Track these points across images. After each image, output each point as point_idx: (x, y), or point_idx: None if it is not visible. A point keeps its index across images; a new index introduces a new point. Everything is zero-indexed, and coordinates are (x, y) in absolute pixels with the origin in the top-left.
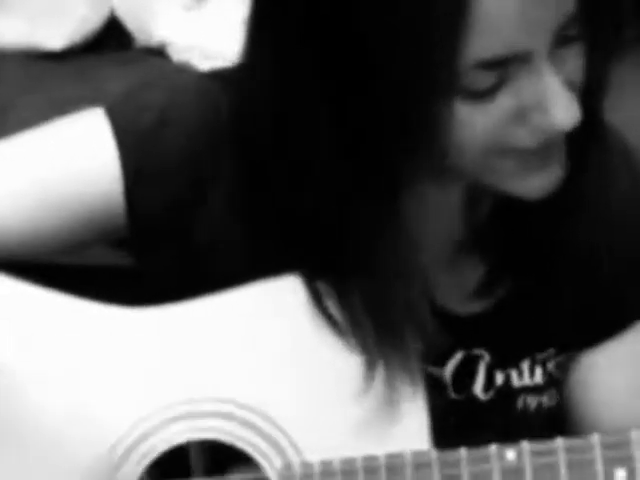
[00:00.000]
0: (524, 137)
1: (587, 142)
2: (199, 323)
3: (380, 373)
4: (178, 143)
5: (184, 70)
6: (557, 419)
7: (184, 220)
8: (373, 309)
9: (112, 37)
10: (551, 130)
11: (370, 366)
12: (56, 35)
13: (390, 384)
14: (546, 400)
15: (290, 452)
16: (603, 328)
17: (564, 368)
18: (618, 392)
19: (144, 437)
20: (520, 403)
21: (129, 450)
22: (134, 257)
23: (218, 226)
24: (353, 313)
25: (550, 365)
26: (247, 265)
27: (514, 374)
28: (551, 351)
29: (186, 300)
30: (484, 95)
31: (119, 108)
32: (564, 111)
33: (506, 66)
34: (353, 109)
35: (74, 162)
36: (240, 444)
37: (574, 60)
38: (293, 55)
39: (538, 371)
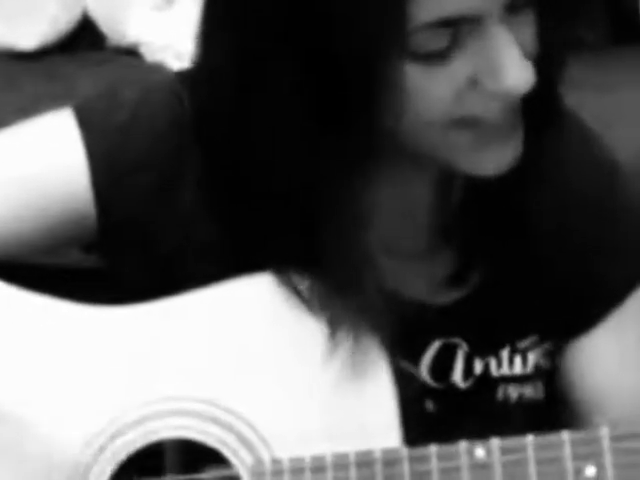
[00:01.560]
0: (479, 104)
1: (544, 120)
2: (167, 322)
3: (343, 345)
4: (147, 141)
5: (157, 70)
6: (541, 412)
7: (153, 220)
8: (341, 292)
9: (85, 37)
10: (505, 95)
11: (333, 335)
12: (29, 35)
13: (354, 355)
14: (529, 392)
15: (260, 447)
16: (585, 313)
17: (552, 358)
18: (617, 375)
19: (117, 435)
20: (500, 393)
21: (102, 448)
22: (103, 258)
23: (187, 225)
24: (317, 282)
25: (533, 355)
26: (217, 264)
27: (493, 363)
28: (533, 339)
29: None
30: (436, 58)
31: (88, 107)
32: (517, 75)
33: (457, 28)
34: (309, 79)
35: (42, 162)
36: (211, 441)
37: (526, 28)
38: (252, 32)
39: (517, 360)
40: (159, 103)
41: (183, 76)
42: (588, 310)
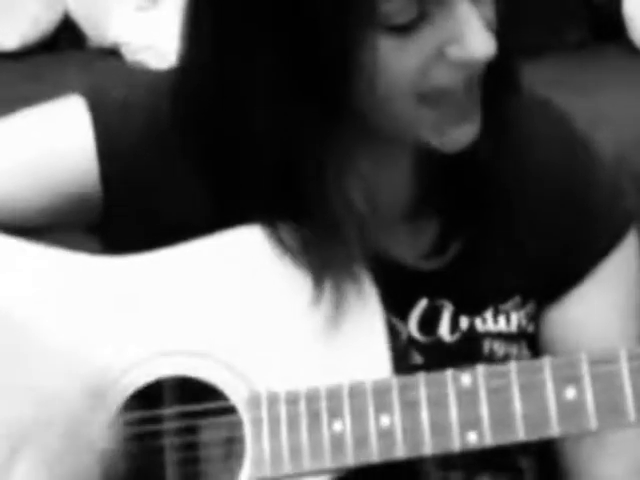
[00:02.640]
0: (444, 75)
1: (502, 92)
2: (158, 272)
3: (329, 291)
4: (145, 119)
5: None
6: None
7: (156, 198)
8: (318, 224)
9: (66, 37)
10: (469, 62)
11: (318, 283)
12: (10, 35)
13: (339, 300)
14: (515, 352)
15: (256, 382)
16: (563, 275)
17: (535, 322)
18: (597, 335)
19: (120, 377)
20: (486, 347)
21: (106, 390)
22: (107, 241)
23: (186, 198)
24: (302, 236)
25: (516, 316)
26: (208, 226)
27: (478, 320)
28: (516, 301)
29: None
30: (406, 29)
31: (96, 93)
32: (480, 42)
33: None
34: (284, 49)
35: (50, 142)
36: (208, 377)
37: (486, 4)
38: (232, 13)
39: (501, 319)
40: (161, 88)
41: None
42: (567, 272)
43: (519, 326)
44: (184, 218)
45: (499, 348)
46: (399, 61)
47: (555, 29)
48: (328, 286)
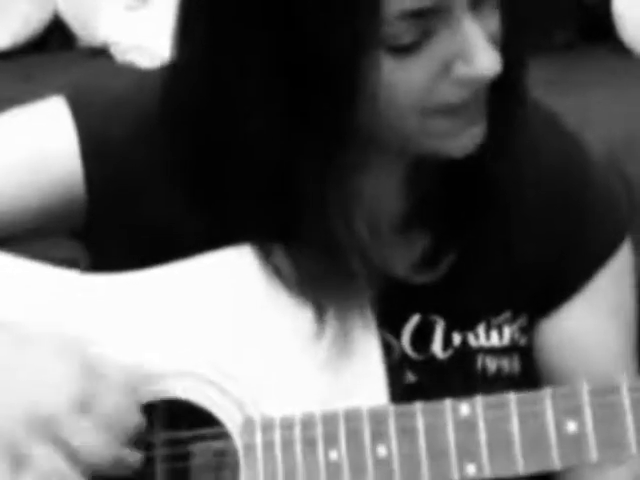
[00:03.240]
0: (450, 91)
1: (508, 104)
2: (155, 290)
3: (331, 322)
4: (133, 121)
5: (128, 69)
6: (518, 387)
7: (140, 203)
8: (321, 259)
9: (56, 37)
10: (475, 79)
11: (320, 316)
12: (2, 34)
13: (342, 332)
14: (506, 365)
15: (251, 408)
16: (555, 289)
17: (527, 334)
18: (584, 350)
19: None
20: (479, 364)
21: None
22: (91, 246)
23: (173, 207)
24: (304, 268)
25: (509, 330)
26: (200, 245)
27: (471, 336)
28: (507, 315)
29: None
30: (409, 49)
31: (79, 92)
32: (486, 59)
33: (428, 19)
34: (284, 66)
35: (34, 144)
36: (202, 401)
37: (491, 16)
38: (228, 21)
39: (494, 335)
40: (149, 87)
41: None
42: (561, 284)
43: (512, 339)
44: (169, 224)
45: (491, 363)
46: (404, 80)
47: (544, 29)
48: (331, 318)
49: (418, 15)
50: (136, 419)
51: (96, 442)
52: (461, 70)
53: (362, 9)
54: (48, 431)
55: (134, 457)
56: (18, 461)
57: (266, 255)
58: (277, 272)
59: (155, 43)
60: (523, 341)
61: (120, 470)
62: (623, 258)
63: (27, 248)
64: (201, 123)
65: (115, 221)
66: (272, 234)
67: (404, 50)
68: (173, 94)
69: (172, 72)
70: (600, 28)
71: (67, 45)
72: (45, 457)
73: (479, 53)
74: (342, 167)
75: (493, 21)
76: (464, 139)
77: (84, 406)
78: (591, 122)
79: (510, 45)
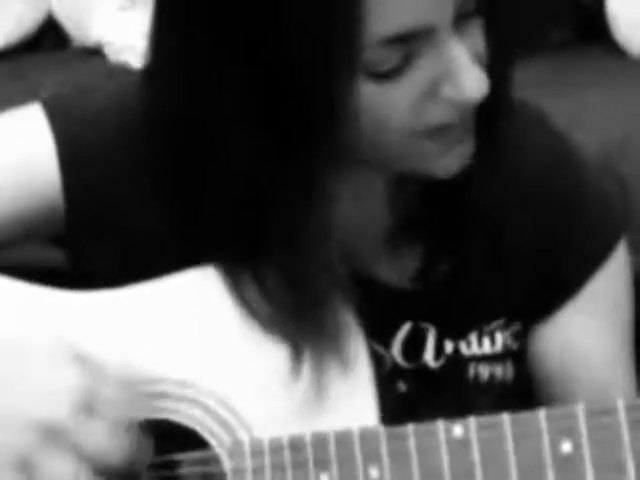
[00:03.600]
0: (436, 113)
1: (494, 118)
2: (129, 309)
3: (307, 360)
4: (115, 133)
5: (119, 69)
6: (511, 393)
7: (119, 212)
8: (294, 292)
9: (49, 37)
10: (462, 101)
11: (296, 355)
12: None
13: (318, 369)
14: (499, 371)
15: (239, 430)
16: (549, 296)
17: (520, 339)
18: (580, 356)
19: None
20: (471, 372)
21: None
22: (69, 253)
23: (149, 216)
24: (275, 302)
25: (501, 336)
26: (175, 258)
27: (463, 344)
28: (500, 322)
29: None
30: (392, 74)
31: (57, 100)
32: (473, 81)
33: (411, 43)
34: (262, 93)
35: (11, 153)
36: (189, 423)
37: (475, 35)
38: (201, 42)
39: (486, 342)
40: (129, 96)
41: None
42: (554, 290)
43: (504, 345)
44: (149, 233)
45: (484, 370)
46: (388, 104)
47: (539, 29)
48: (308, 357)
49: (399, 41)
50: (140, 410)
51: (108, 442)
52: (447, 92)
53: (339, 37)
54: (58, 440)
55: (147, 445)
56: (31, 475)
57: (234, 282)
58: (245, 303)
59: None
60: (516, 346)
61: (134, 464)
62: (619, 259)
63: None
64: (177, 135)
65: (95, 229)
66: (241, 258)
67: (387, 75)
68: (150, 104)
69: (148, 82)
70: (595, 28)
71: (60, 45)
72: (59, 466)
73: (465, 74)
74: (318, 192)
75: (478, 39)
76: (451, 159)
77: (87, 407)
78: (586, 123)
79: (497, 61)
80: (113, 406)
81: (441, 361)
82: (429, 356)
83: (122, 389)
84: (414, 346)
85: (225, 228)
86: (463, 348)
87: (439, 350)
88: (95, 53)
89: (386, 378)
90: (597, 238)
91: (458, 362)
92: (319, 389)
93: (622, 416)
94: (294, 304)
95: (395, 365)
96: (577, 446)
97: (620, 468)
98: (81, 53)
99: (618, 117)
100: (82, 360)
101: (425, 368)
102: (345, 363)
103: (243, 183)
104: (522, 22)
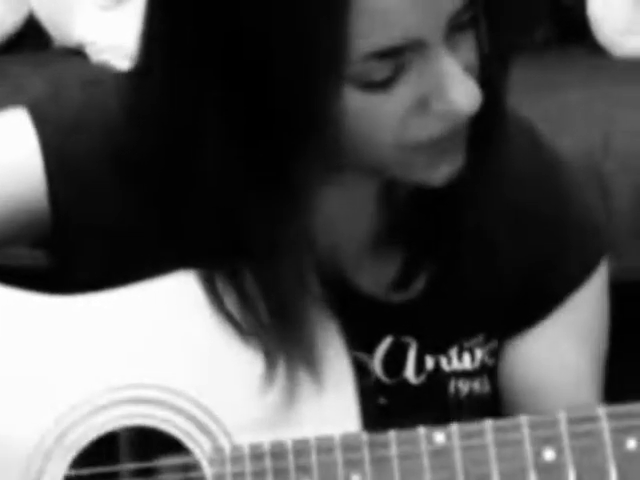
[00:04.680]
0: (428, 126)
1: (488, 129)
2: (108, 314)
3: (281, 369)
4: (99, 137)
5: (101, 70)
6: (489, 407)
7: (103, 215)
8: (270, 303)
9: (31, 37)
10: (454, 116)
11: (270, 364)
12: None
13: (291, 379)
14: (477, 387)
15: (219, 436)
16: (527, 313)
17: (495, 355)
18: (552, 373)
19: (72, 427)
20: (452, 388)
21: (57, 441)
22: (54, 256)
23: (132, 220)
24: (252, 310)
25: (480, 352)
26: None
27: (443, 360)
28: (479, 338)
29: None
30: (381, 86)
31: (41, 104)
32: (464, 95)
33: (401, 56)
34: (243, 104)
35: None
36: (169, 429)
37: (467, 47)
38: (185, 57)
39: (466, 357)
40: (106, 101)
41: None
42: (531, 311)
43: (482, 362)
44: (132, 238)
45: (463, 386)
46: (378, 117)
47: (521, 30)
48: (282, 365)
49: (389, 54)
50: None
51: None
52: (438, 106)
53: (322, 54)
54: None
55: None
56: None
57: (212, 288)
58: (223, 309)
59: (130, 43)
60: (491, 362)
61: None
62: (598, 283)
63: None
64: (160, 139)
65: (80, 233)
66: (221, 264)
67: (377, 87)
68: (135, 106)
69: (135, 84)
70: (576, 29)
71: (42, 46)
72: None
73: (456, 88)
74: (298, 201)
75: (470, 51)
76: (440, 171)
77: None
78: (568, 123)
79: (490, 72)
80: None
81: (422, 377)
82: (410, 372)
83: None
84: (395, 361)
85: (205, 234)
86: (444, 364)
87: (420, 366)
88: (77, 53)
89: (370, 389)
90: (580, 256)
91: (439, 378)
92: (291, 397)
93: (604, 423)
94: (270, 311)
95: (376, 379)
96: (559, 452)
97: (602, 474)
98: (63, 53)
99: (600, 117)
100: None
101: (406, 384)
102: (322, 372)
103: (224, 189)
104: (505, 23)
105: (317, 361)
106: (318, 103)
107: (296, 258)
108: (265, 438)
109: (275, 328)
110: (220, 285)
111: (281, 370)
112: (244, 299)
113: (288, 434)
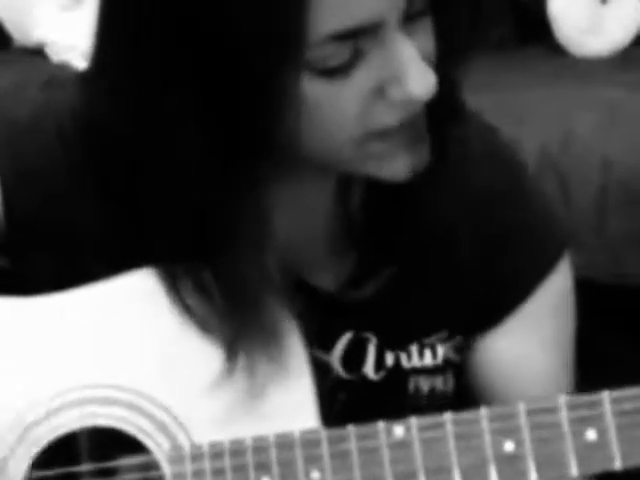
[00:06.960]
0: (386, 114)
1: (447, 123)
2: (66, 314)
3: (241, 364)
4: (52, 140)
5: (61, 70)
6: (451, 405)
7: (58, 219)
8: (230, 295)
9: None
10: (410, 102)
11: (230, 357)
12: None
13: (251, 374)
14: (439, 384)
15: (179, 434)
16: (491, 309)
17: (461, 351)
18: (519, 369)
19: (30, 428)
20: (412, 385)
21: (16, 442)
22: (9, 256)
23: (90, 223)
24: (211, 302)
25: (443, 348)
26: (114, 258)
27: (404, 356)
28: (442, 335)
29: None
30: (340, 71)
31: None
32: (420, 80)
33: (359, 39)
34: (205, 91)
35: None
36: (128, 428)
37: (424, 35)
38: (147, 43)
39: (427, 354)
40: (64, 102)
41: (85, 77)
42: (495, 307)
43: (445, 358)
44: (89, 237)
45: (424, 383)
46: (336, 104)
47: (479, 29)
48: (241, 359)
49: (347, 37)
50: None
51: None
52: (395, 92)
53: (284, 33)
54: None
55: None
56: None
57: (172, 283)
58: (182, 304)
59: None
60: (457, 359)
61: None
62: (562, 274)
63: None
64: (117, 136)
65: (35, 235)
66: (180, 258)
67: (334, 73)
68: (90, 105)
69: (92, 82)
70: (536, 28)
71: (3, 46)
72: None
73: (412, 74)
74: (257, 195)
75: (427, 38)
76: (403, 162)
77: None
78: (526, 121)
79: (445, 59)
80: None
81: (382, 373)
82: (369, 368)
83: None
84: (355, 356)
85: (164, 229)
86: (404, 360)
87: (379, 362)
88: (37, 53)
89: (329, 385)
90: (540, 253)
91: (399, 375)
92: (252, 391)
93: (563, 413)
94: (229, 306)
95: (336, 375)
96: (519, 444)
97: (562, 464)
98: (23, 53)
99: (558, 115)
100: None
101: (365, 380)
102: (281, 366)
103: (182, 184)
104: (461, 21)
105: (277, 354)
106: (278, 89)
107: (256, 253)
108: (225, 435)
109: (235, 321)
110: (181, 281)
111: (241, 365)
112: (204, 294)
113: (247, 430)
